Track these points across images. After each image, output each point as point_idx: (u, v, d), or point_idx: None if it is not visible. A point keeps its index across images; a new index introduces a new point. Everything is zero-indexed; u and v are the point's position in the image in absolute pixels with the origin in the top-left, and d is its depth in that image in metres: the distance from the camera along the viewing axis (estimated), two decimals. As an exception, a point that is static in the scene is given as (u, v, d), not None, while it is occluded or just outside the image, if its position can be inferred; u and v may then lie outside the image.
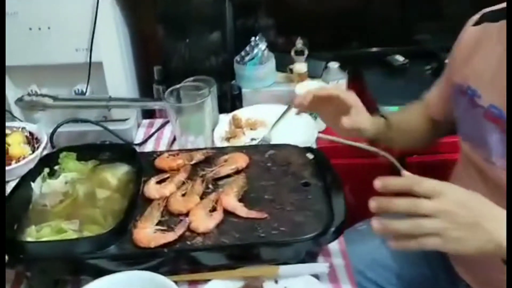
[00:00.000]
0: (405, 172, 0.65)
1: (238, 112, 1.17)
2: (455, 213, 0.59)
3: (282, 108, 1.19)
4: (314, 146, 1.06)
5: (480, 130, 0.80)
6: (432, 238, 0.59)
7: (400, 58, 1.47)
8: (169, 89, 1.00)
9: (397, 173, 0.66)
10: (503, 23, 0.79)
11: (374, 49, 1.53)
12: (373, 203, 0.61)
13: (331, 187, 0.82)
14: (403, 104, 1.29)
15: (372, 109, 1.31)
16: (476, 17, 0.88)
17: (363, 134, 0.88)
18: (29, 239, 0.75)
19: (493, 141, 0.77)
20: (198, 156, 0.90)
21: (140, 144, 1.14)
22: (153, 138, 1.16)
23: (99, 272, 0.73)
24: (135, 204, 0.81)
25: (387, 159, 1.18)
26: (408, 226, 0.60)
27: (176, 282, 0.74)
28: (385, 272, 1.01)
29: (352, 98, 0.85)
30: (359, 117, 0.85)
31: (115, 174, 0.90)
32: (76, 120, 1.11)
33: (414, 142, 1.03)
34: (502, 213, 0.62)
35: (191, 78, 1.12)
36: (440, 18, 1.47)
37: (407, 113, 1.03)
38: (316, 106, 0.86)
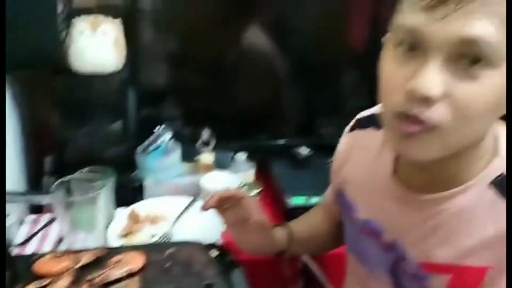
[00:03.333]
0: None
1: (137, 206, 1.08)
2: None
3: (186, 200, 1.13)
4: (220, 242, 0.99)
5: (360, 244, 0.76)
6: None
7: (305, 150, 1.48)
8: (58, 181, 0.90)
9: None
10: (370, 131, 0.76)
11: (281, 141, 1.54)
12: None
13: (237, 288, 0.75)
14: (309, 195, 1.30)
15: (280, 200, 1.31)
16: (352, 122, 0.83)
17: (265, 252, 0.85)
18: None
19: (374, 256, 0.73)
20: (87, 257, 0.79)
21: (21, 245, 0.99)
22: (37, 238, 1.02)
23: None
24: (2, 320, 0.67)
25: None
26: None
27: None
28: None
29: (256, 210, 0.81)
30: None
31: (-18, 282, 0.75)
32: None
33: (322, 247, 0.96)
34: None
35: (86, 169, 1.02)
36: (342, 113, 1.53)
37: (310, 221, 0.95)
38: (222, 208, 0.81)
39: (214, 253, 0.83)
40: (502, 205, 0.58)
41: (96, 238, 0.93)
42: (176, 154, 1.34)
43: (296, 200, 1.29)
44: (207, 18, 1.41)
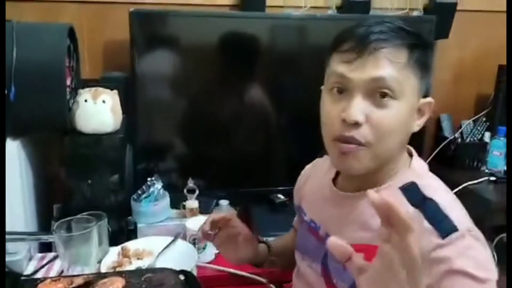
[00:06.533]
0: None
1: (128, 243, 1.28)
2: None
3: (169, 239, 1.32)
4: (194, 272, 1.18)
5: (305, 241, 0.99)
6: None
7: (281, 196, 1.69)
8: (59, 221, 1.11)
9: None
10: (325, 158, 1.02)
11: (260, 189, 1.75)
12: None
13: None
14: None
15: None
16: None
17: (250, 261, 1.07)
18: None
19: (313, 249, 0.95)
20: (78, 280, 0.98)
21: (29, 275, 1.19)
22: (43, 270, 1.22)
23: None
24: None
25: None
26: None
27: None
28: None
29: (243, 227, 1.04)
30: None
31: (-5, 300, 0.95)
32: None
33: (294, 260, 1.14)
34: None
35: (85, 213, 1.23)
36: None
37: (286, 238, 1.21)
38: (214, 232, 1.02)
39: (182, 277, 1.02)
40: (404, 202, 0.78)
41: (90, 271, 1.12)
42: (166, 201, 1.55)
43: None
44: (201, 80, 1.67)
